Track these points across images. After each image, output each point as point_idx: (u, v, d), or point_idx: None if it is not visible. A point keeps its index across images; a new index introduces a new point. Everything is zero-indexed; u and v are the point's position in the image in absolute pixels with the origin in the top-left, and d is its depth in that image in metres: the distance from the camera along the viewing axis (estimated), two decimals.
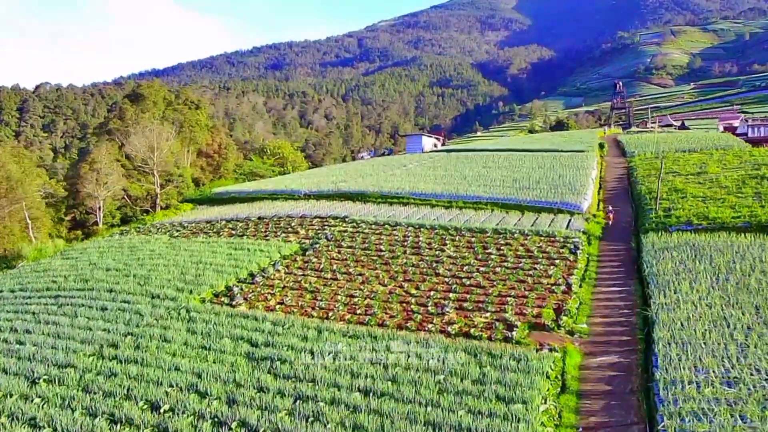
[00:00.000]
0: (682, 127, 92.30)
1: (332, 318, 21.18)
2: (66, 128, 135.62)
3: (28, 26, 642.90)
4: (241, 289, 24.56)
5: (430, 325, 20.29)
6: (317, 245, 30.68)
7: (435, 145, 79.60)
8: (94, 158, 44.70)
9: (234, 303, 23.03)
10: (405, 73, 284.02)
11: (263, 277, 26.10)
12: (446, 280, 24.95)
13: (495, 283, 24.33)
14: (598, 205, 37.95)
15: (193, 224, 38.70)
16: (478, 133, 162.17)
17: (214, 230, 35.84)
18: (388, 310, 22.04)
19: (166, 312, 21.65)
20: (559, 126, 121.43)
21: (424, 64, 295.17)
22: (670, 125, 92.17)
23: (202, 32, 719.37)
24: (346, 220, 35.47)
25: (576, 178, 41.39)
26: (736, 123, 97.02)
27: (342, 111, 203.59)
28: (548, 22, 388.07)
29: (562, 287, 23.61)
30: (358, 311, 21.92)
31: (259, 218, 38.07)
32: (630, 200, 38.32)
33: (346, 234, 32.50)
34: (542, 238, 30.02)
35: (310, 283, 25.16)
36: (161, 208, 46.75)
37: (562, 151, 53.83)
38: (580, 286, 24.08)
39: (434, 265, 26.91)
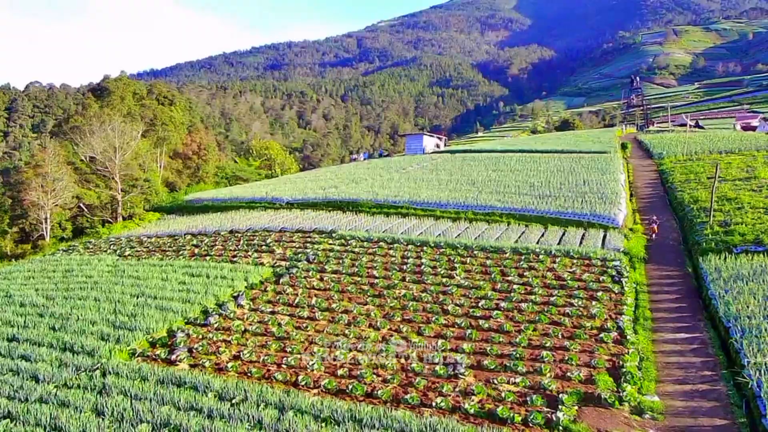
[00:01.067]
0: (697, 126, 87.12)
1: (303, 384, 15.35)
2: None
3: (24, 26, 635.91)
4: (188, 335, 18.64)
5: (438, 398, 14.51)
6: (295, 270, 24.75)
7: (437, 146, 73.25)
8: (39, 161, 38.62)
9: (174, 358, 17.11)
10: (405, 73, 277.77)
11: (220, 315, 20.19)
12: (457, 320, 19.26)
13: (522, 326, 18.66)
14: (634, 216, 32.02)
15: (153, 239, 32.81)
16: (480, 134, 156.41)
17: (175, 247, 29.89)
18: (380, 367, 16.28)
19: (74, 376, 15.70)
20: (565, 126, 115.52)
21: (423, 64, 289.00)
22: (685, 124, 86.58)
23: (201, 32, 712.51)
24: (333, 235, 29.56)
25: (604, 183, 35.44)
26: (754, 122, 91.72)
27: (341, 111, 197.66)
28: (548, 22, 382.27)
29: (613, 334, 17.83)
30: (340, 371, 16.17)
31: (231, 232, 32.16)
32: (671, 211, 32.43)
33: (331, 254, 26.59)
34: (574, 260, 24.21)
35: (280, 325, 19.28)
36: (123, 218, 40.74)
37: (580, 152, 47.85)
38: (635, 331, 18.25)
39: (441, 298, 21.13)
